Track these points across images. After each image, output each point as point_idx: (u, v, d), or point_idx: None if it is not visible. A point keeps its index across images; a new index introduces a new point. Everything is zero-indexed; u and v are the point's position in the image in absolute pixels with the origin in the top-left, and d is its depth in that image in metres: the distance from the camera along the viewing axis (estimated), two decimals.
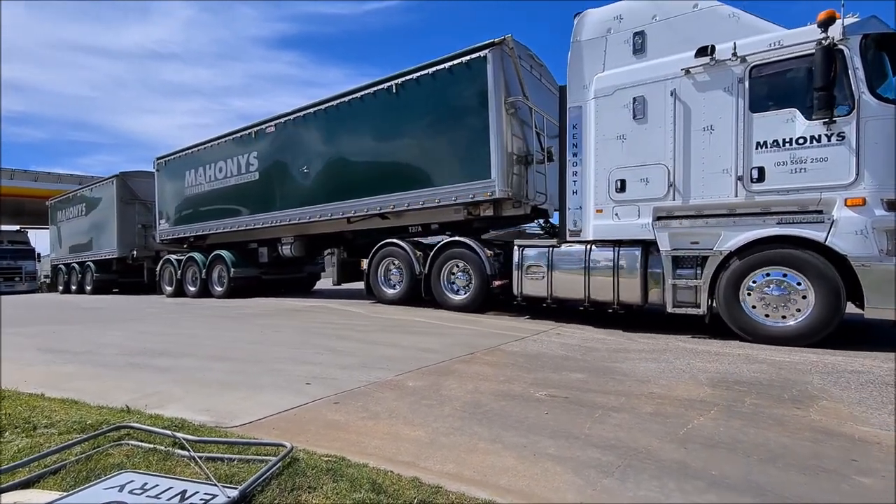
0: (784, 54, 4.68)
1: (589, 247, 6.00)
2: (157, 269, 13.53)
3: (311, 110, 9.42)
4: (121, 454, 2.18)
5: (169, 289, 13.00)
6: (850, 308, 4.54)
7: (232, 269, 11.24)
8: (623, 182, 5.67)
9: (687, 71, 5.21)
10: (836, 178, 4.44)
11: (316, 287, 13.97)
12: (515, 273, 6.63)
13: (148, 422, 2.57)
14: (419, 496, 1.78)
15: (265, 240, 11.29)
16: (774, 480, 1.93)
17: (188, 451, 2.13)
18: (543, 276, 6.36)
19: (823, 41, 4.34)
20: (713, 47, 5.00)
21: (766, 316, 4.78)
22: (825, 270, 4.45)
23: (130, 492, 1.79)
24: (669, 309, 5.29)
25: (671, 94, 5.33)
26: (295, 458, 2.07)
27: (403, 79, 7.93)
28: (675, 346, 4.75)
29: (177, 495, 1.77)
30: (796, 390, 3.16)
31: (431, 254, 7.68)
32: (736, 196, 4.95)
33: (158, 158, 13.43)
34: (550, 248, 6.36)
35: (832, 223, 4.43)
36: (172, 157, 12.94)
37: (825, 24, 4.33)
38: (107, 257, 15.58)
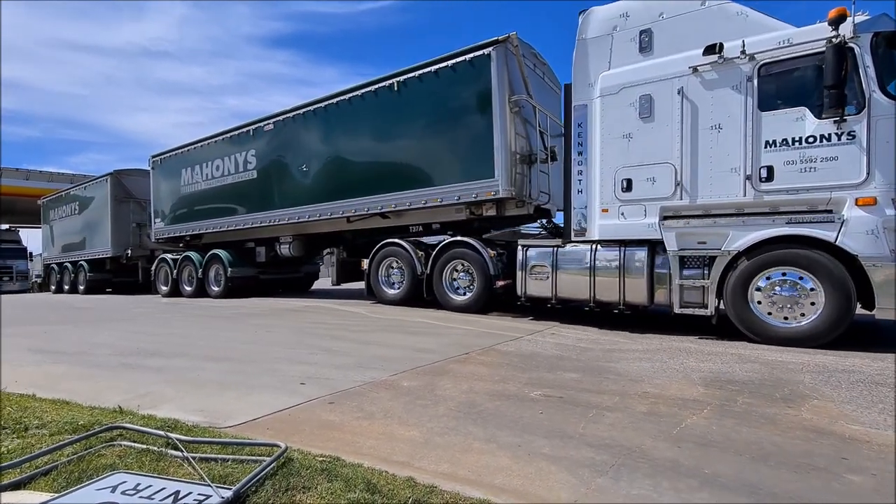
0: (793, 52, 4.63)
1: (594, 247, 5.93)
2: (153, 268, 13.34)
3: (311, 108, 9.30)
4: (113, 455, 2.16)
5: (164, 288, 12.81)
6: (858, 309, 4.50)
7: (229, 269, 11.09)
8: (629, 181, 5.61)
9: (695, 69, 5.16)
10: (847, 178, 4.40)
11: (314, 287, 13.85)
12: (519, 273, 6.55)
13: (141, 422, 2.55)
14: (414, 496, 1.78)
15: (263, 239, 11.15)
16: (766, 479, 1.94)
17: (181, 451, 2.11)
18: (548, 277, 6.28)
19: (834, 39, 4.30)
20: (721, 45, 4.96)
21: (775, 316, 4.73)
22: (835, 270, 4.40)
23: (123, 492, 1.77)
24: (676, 310, 5.23)
25: (678, 93, 5.28)
26: (289, 459, 2.06)
27: (405, 76, 7.83)
28: (669, 345, 4.75)
29: (170, 496, 1.75)
30: (788, 389, 3.19)
31: (433, 254, 7.58)
32: (744, 195, 4.90)
33: (154, 156, 13.25)
34: (555, 248, 6.29)
35: (842, 223, 4.38)
36: (168, 155, 12.76)
37: (836, 22, 4.29)
38: (100, 256, 15.36)
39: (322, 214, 9.21)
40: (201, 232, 12.06)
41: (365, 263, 8.55)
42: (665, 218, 5.39)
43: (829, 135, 4.47)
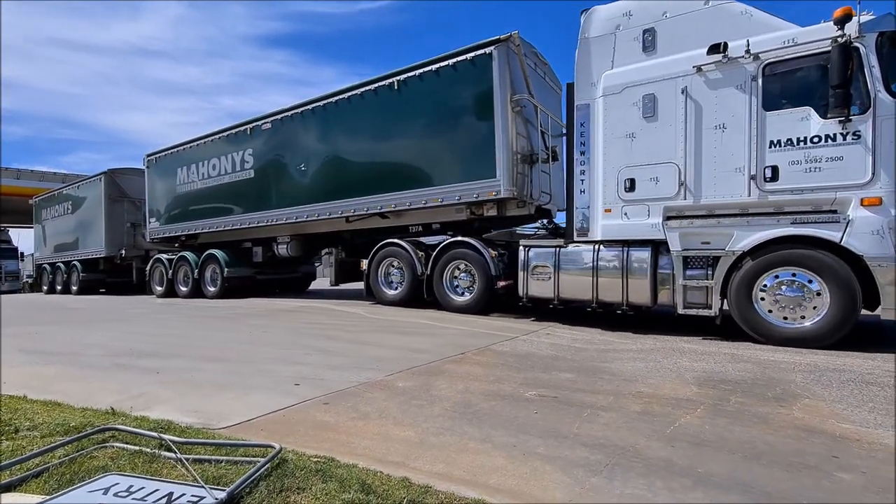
0: (798, 52, 4.62)
1: (597, 247, 5.89)
2: (147, 268, 13.18)
3: (310, 107, 9.21)
4: (105, 456, 2.13)
5: (159, 289, 12.65)
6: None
7: (225, 269, 10.96)
8: (632, 181, 5.57)
9: (699, 68, 5.14)
10: (852, 178, 4.38)
11: (312, 287, 13.74)
12: (521, 274, 6.49)
13: (134, 424, 2.52)
14: (409, 496, 1.78)
15: (260, 239, 11.04)
16: (759, 477, 1.96)
17: (175, 452, 2.10)
18: (550, 277, 6.23)
19: (839, 39, 4.29)
20: (726, 44, 4.94)
21: (779, 317, 4.71)
22: (840, 271, 4.38)
23: (115, 494, 1.76)
24: (680, 310, 5.20)
25: (682, 92, 5.25)
26: (284, 459, 2.05)
27: (406, 75, 7.77)
28: (663, 345, 4.75)
29: (163, 497, 1.74)
30: (780, 389, 3.21)
31: (434, 254, 7.52)
32: (749, 195, 4.87)
33: (149, 155, 13.09)
34: (557, 249, 6.24)
35: (848, 223, 4.36)
36: (163, 153, 12.62)
37: (841, 22, 4.28)
38: (94, 256, 15.16)
39: (321, 214, 9.12)
40: (197, 232, 11.92)
41: (364, 264, 8.47)
42: (668, 218, 5.36)
43: (834, 135, 4.45)
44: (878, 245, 4.22)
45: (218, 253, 11.17)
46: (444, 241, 7.52)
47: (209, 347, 5.09)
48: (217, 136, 11.16)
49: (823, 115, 4.49)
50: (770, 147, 4.77)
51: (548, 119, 7.57)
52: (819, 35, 4.49)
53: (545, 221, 7.84)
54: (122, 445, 2.25)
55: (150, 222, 13.10)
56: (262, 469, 1.93)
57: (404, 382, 3.47)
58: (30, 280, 23.00)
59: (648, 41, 5.60)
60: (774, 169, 4.74)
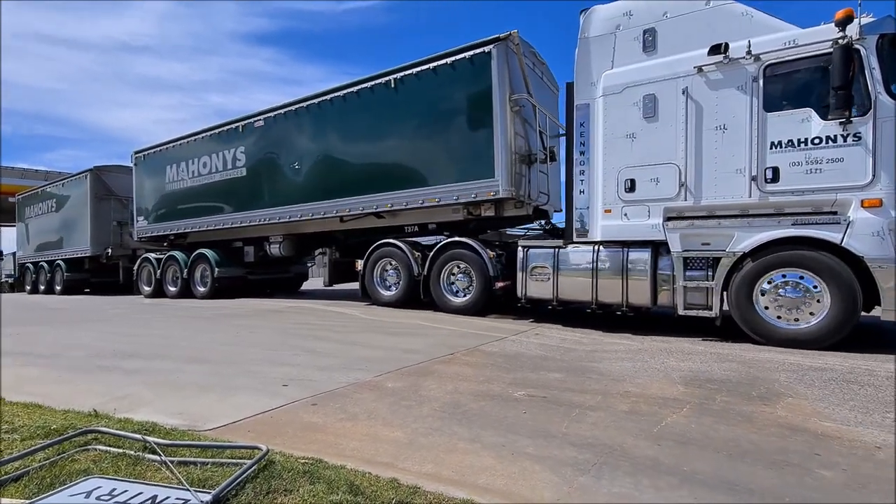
0: (799, 53, 4.63)
1: (597, 248, 5.85)
2: (135, 268, 12.87)
3: (304, 104, 9.06)
4: (87, 459, 2.10)
5: (147, 289, 12.36)
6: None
7: (216, 269, 10.74)
8: (633, 182, 5.54)
9: (699, 69, 5.13)
10: (853, 179, 4.39)
11: (304, 287, 13.55)
12: (519, 275, 6.43)
13: (117, 426, 2.48)
14: (397, 497, 1.78)
15: (252, 238, 10.84)
16: (743, 475, 1.99)
17: (159, 455, 2.07)
18: (549, 278, 6.18)
19: (840, 40, 4.30)
20: (727, 45, 4.93)
21: (780, 318, 4.70)
22: (841, 272, 4.39)
23: (98, 498, 1.73)
24: (681, 311, 5.18)
25: (683, 93, 5.24)
26: (271, 461, 2.04)
27: (402, 73, 7.67)
28: (651, 345, 4.78)
29: (147, 500, 1.72)
30: (764, 388, 3.26)
31: (431, 254, 7.42)
32: (749, 196, 4.87)
33: (137, 152, 12.79)
34: (556, 249, 6.19)
35: (848, 224, 4.37)
36: (152, 150, 12.34)
37: (843, 23, 4.29)
38: (79, 255, 14.78)
39: (314, 214, 8.97)
40: (187, 231, 11.67)
41: (359, 264, 8.34)
42: (669, 219, 5.34)
43: (835, 136, 4.46)
44: (878, 246, 4.23)
45: (208, 252, 10.95)
46: (441, 241, 7.43)
47: (195, 348, 5.00)
48: (208, 134, 10.94)
49: (824, 117, 4.50)
50: (771, 148, 4.77)
51: (546, 119, 7.53)
52: (820, 37, 4.50)
53: (543, 222, 7.79)
54: (104, 448, 2.21)
55: (137, 221, 12.80)
56: (249, 471, 1.91)
57: (393, 383, 3.46)
58: (10, 280, 22.34)
59: (649, 41, 5.58)
60: (775, 170, 4.74)
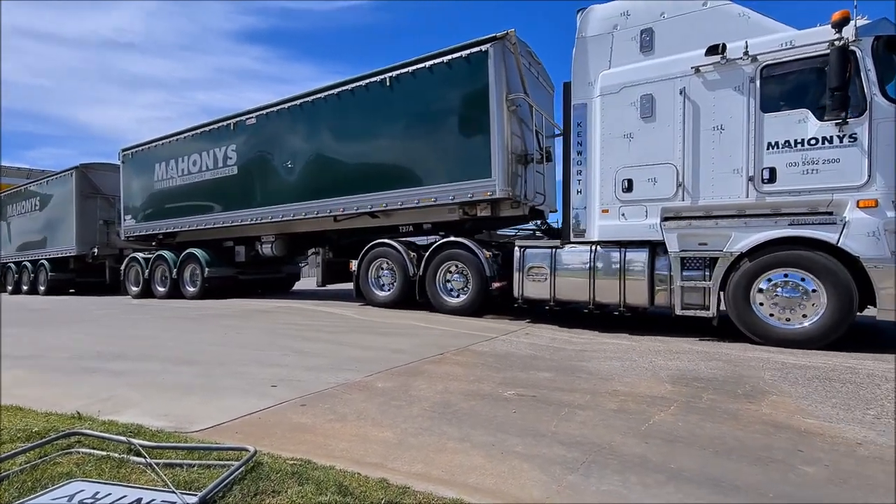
0: (796, 54, 4.65)
1: (594, 248, 5.84)
2: (122, 268, 12.60)
3: (298, 102, 8.94)
4: (70, 462, 2.06)
5: (135, 289, 12.10)
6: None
7: (206, 269, 10.55)
8: (630, 182, 5.54)
9: (697, 69, 5.14)
10: (848, 180, 4.43)
11: (297, 288, 13.38)
12: (516, 275, 6.39)
13: (101, 428, 2.43)
14: (386, 497, 1.77)
15: (243, 238, 10.67)
16: (728, 472, 2.03)
17: (144, 457, 2.04)
18: (546, 278, 6.15)
19: (837, 42, 4.33)
20: (724, 46, 4.94)
21: (777, 318, 4.72)
22: (837, 272, 4.41)
23: (80, 501, 1.70)
24: (678, 311, 5.17)
25: (680, 93, 5.24)
26: (259, 463, 2.02)
27: (398, 72, 7.60)
28: (640, 345, 4.82)
29: (132, 503, 1.70)
30: (749, 386, 3.32)
31: (426, 255, 7.35)
32: (746, 197, 4.89)
33: (124, 150, 12.53)
34: (553, 249, 6.16)
35: (844, 224, 4.40)
36: (140, 148, 12.10)
37: (839, 25, 4.32)
38: (64, 255, 14.43)
39: (308, 213, 8.85)
40: (176, 230, 11.45)
41: (353, 264, 8.24)
42: (666, 219, 5.34)
43: (831, 137, 4.49)
44: (874, 246, 4.27)
45: (198, 252, 10.75)
46: (436, 241, 7.36)
47: (182, 349, 4.93)
48: (198, 131, 10.74)
49: (820, 118, 4.53)
50: (768, 149, 4.79)
51: (542, 119, 7.51)
52: (816, 38, 4.53)
53: (539, 222, 7.77)
54: (88, 451, 2.16)
55: (125, 220, 12.53)
56: (236, 472, 1.89)
57: (383, 383, 3.45)
58: None
59: (646, 41, 5.58)
60: (772, 170, 4.76)
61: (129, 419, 2.62)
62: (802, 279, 4.60)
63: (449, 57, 7.07)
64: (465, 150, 7.06)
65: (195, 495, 1.70)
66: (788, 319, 4.67)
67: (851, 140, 4.42)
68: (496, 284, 6.69)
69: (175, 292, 11.10)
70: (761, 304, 4.79)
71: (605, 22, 5.85)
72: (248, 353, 4.65)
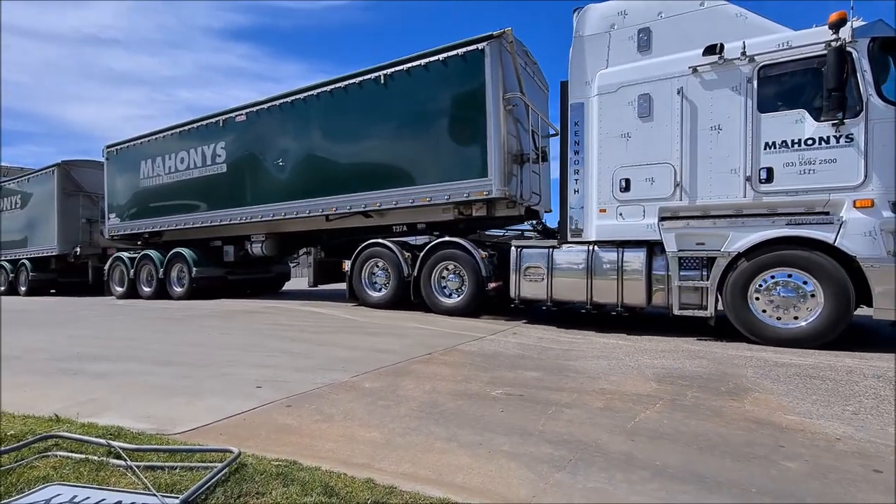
0: (793, 55, 4.67)
1: (591, 247, 5.80)
2: (106, 268, 12.24)
3: (289, 99, 8.78)
4: (47, 466, 2.02)
5: (119, 289, 11.78)
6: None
7: (194, 269, 10.31)
8: (627, 181, 5.51)
9: (694, 69, 5.14)
10: (845, 180, 4.45)
11: (288, 288, 13.17)
12: (513, 275, 6.32)
13: (80, 431, 2.38)
14: (373, 497, 1.76)
15: (232, 237, 10.45)
16: (712, 468, 2.06)
17: (124, 459, 2.01)
18: (543, 278, 6.09)
19: (834, 43, 4.35)
20: (721, 46, 4.95)
21: (775, 317, 4.72)
22: (834, 272, 4.43)
23: None
24: (676, 311, 5.16)
25: (678, 93, 5.24)
26: (243, 464, 2.00)
27: (393, 69, 7.50)
28: (626, 343, 4.87)
29: None
30: (733, 383, 3.37)
31: (421, 255, 7.25)
32: (744, 196, 4.89)
33: (109, 147, 12.20)
34: (550, 249, 6.11)
35: (841, 224, 4.42)
36: (125, 145, 11.79)
37: (836, 26, 4.35)
38: (45, 255, 14.01)
39: (299, 212, 8.69)
40: (162, 229, 11.18)
41: (346, 265, 8.10)
42: (664, 219, 5.32)
43: (828, 137, 4.51)
44: (870, 246, 4.29)
45: (185, 251, 10.50)
46: (431, 241, 7.27)
47: (164, 350, 4.87)
48: (186, 128, 10.50)
49: (817, 118, 4.55)
50: (765, 149, 4.80)
51: (538, 119, 7.47)
52: (813, 39, 4.55)
53: (534, 222, 7.73)
54: (65, 454, 2.11)
55: (109, 218, 12.20)
56: (220, 474, 1.86)
57: (371, 383, 3.43)
58: None
59: (644, 41, 5.57)
60: (769, 170, 4.77)
61: (110, 421, 2.57)
62: (800, 279, 4.61)
63: (445, 55, 6.99)
64: (460, 150, 6.98)
65: (177, 498, 1.68)
66: (787, 318, 4.68)
67: (848, 140, 4.44)
68: (492, 285, 6.62)
69: (162, 293, 10.83)
70: (759, 304, 4.79)
71: (603, 21, 5.83)
72: (234, 353, 4.57)
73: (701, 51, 5.06)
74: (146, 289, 11.24)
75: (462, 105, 6.94)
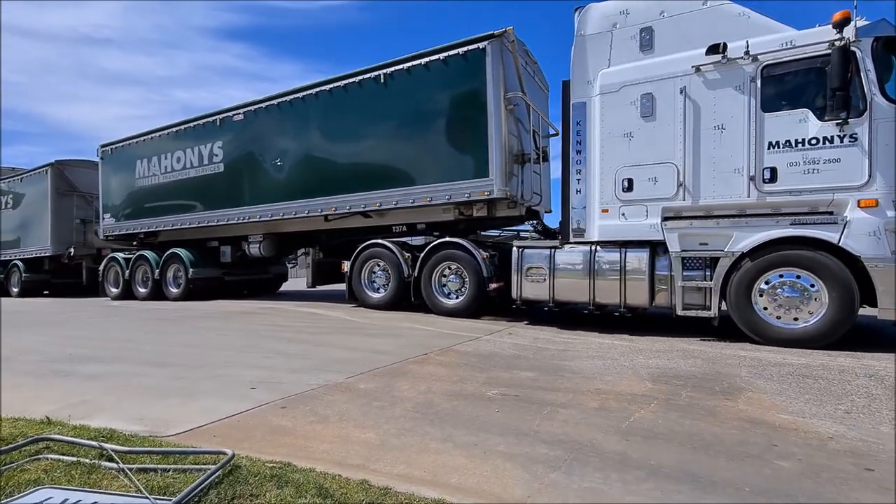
0: (796, 54, 4.66)
1: (594, 248, 5.76)
2: (101, 268, 12.10)
3: (287, 98, 8.70)
4: (38, 469, 2.00)
5: (114, 290, 11.64)
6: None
7: (190, 269, 10.19)
8: (630, 181, 5.49)
9: (697, 69, 5.12)
10: (849, 180, 4.44)
11: (285, 289, 13.06)
12: (515, 276, 6.28)
13: (72, 433, 2.36)
14: (367, 498, 1.75)
15: (229, 238, 10.35)
16: (706, 467, 2.06)
17: (117, 462, 1.99)
18: (545, 279, 6.05)
19: (837, 42, 4.34)
20: (725, 45, 4.93)
21: (779, 318, 4.71)
22: (839, 272, 4.41)
23: None
24: (679, 312, 5.13)
25: (681, 92, 5.22)
26: (237, 466, 1.99)
27: (393, 68, 7.44)
28: (621, 344, 4.87)
29: None
30: (727, 383, 3.39)
31: (422, 255, 7.19)
32: (748, 196, 4.87)
33: (104, 146, 12.06)
34: (552, 250, 6.07)
35: (845, 224, 4.41)
36: (120, 144, 11.66)
37: (840, 25, 4.34)
38: (38, 255, 13.83)
39: (298, 212, 8.61)
40: (158, 229, 11.06)
41: (346, 265, 8.03)
42: (667, 219, 5.30)
43: (832, 137, 4.50)
44: (874, 246, 4.28)
45: (182, 252, 10.38)
46: (432, 241, 7.21)
47: (158, 352, 4.82)
48: (182, 127, 10.39)
49: (821, 118, 4.54)
50: (768, 148, 4.78)
51: (538, 119, 7.44)
52: (817, 38, 4.54)
53: (535, 222, 7.69)
54: (57, 457, 2.10)
55: (104, 219, 12.06)
56: (213, 476, 1.85)
57: (366, 384, 3.42)
58: None
59: (646, 40, 5.55)
60: (773, 170, 4.75)
61: (102, 424, 2.54)
62: (803, 278, 4.60)
63: (446, 54, 6.95)
64: (461, 150, 6.93)
65: (170, 500, 1.67)
66: (791, 319, 4.66)
67: (852, 140, 4.43)
68: (493, 285, 6.57)
69: (158, 293, 10.71)
70: (763, 304, 4.77)
71: (605, 20, 5.81)
72: (229, 355, 4.53)
73: (704, 50, 5.04)
74: (142, 290, 11.11)
75: (463, 104, 6.90)
